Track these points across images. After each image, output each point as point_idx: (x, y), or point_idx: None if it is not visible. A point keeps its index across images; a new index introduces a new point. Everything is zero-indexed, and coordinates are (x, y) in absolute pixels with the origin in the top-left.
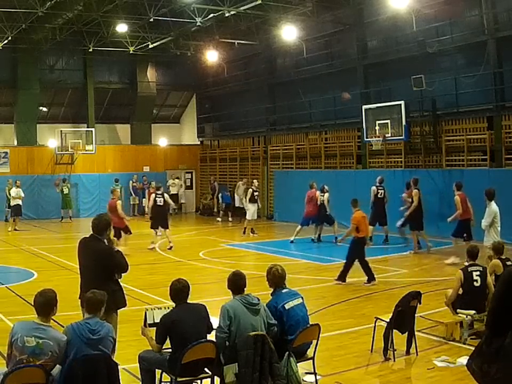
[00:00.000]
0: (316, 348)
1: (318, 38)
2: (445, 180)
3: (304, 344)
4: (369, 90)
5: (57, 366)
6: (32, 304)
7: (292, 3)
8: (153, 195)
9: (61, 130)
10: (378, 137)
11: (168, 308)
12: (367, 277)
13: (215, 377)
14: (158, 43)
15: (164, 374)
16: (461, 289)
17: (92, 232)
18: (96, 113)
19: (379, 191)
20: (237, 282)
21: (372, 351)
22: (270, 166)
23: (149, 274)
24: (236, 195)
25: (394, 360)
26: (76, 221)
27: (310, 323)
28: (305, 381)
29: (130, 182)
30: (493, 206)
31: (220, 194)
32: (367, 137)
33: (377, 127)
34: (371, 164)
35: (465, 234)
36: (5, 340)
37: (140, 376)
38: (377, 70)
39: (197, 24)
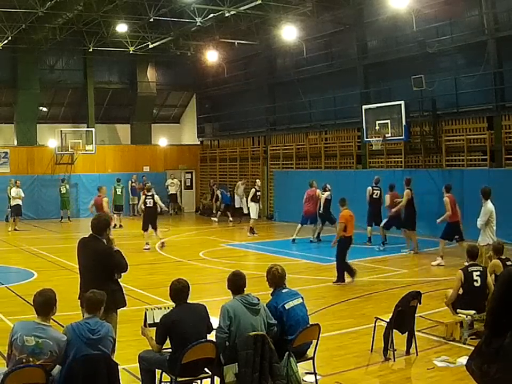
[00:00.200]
0: (315, 348)
1: (318, 38)
2: (445, 180)
3: (304, 344)
4: (369, 90)
5: (57, 366)
6: (32, 304)
7: (291, 3)
8: (143, 196)
9: (61, 130)
10: (379, 137)
11: (168, 308)
12: (349, 275)
13: (215, 377)
14: (158, 43)
15: (164, 374)
16: (461, 289)
17: (91, 232)
18: (96, 113)
19: (375, 191)
20: (236, 282)
21: (371, 351)
22: (270, 166)
23: (149, 274)
24: (235, 195)
25: (394, 360)
26: (76, 221)
27: (310, 323)
28: (305, 381)
29: (130, 182)
30: (489, 205)
31: (220, 194)
32: (367, 137)
33: (377, 127)
34: (371, 163)
35: (457, 236)
36: (5, 340)
37: (140, 376)
38: (377, 70)
39: (197, 24)
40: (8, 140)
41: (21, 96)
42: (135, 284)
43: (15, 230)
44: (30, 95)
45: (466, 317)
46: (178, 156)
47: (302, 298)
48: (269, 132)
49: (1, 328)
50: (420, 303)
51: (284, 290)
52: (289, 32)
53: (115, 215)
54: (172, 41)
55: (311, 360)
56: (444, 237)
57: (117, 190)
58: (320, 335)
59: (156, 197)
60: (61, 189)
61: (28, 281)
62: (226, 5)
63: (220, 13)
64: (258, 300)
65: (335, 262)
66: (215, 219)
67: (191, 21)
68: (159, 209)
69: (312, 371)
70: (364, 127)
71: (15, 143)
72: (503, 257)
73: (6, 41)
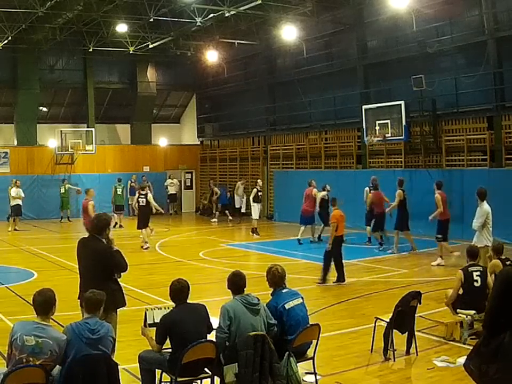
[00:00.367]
0: (316, 348)
1: (318, 38)
2: (445, 180)
3: (304, 344)
4: (369, 90)
5: (57, 366)
6: (32, 303)
7: (291, 3)
8: (137, 195)
9: (61, 130)
10: (378, 137)
11: (168, 308)
12: (321, 276)
13: (215, 377)
14: (158, 43)
15: (164, 374)
16: (461, 289)
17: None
18: (96, 113)
19: (372, 191)
20: (236, 283)
21: (371, 351)
22: (270, 166)
23: (149, 274)
24: (235, 195)
25: (394, 360)
26: (76, 221)
27: (310, 323)
28: (305, 381)
29: (129, 182)
30: (485, 206)
31: (218, 190)
32: (367, 137)
33: (377, 127)
34: (371, 163)
35: (440, 235)
36: (5, 340)
37: (139, 376)
38: (377, 70)
39: (197, 24)
40: (8, 140)
41: (21, 96)
42: (135, 284)
43: (15, 230)
44: (30, 95)
45: (466, 317)
46: (178, 156)
47: (302, 298)
48: (269, 131)
49: (1, 328)
50: (420, 303)
51: (284, 290)
52: (289, 32)
53: (115, 215)
54: (172, 41)
55: (311, 360)
56: (441, 240)
57: (118, 190)
58: (320, 335)
59: (149, 195)
60: (60, 189)
61: (27, 281)
62: (226, 5)
63: (219, 13)
64: (258, 300)
65: (323, 262)
66: (215, 220)
67: (191, 21)
68: (154, 210)
69: (312, 371)
70: (364, 127)
71: (15, 143)
72: (503, 257)
73: (6, 41)
